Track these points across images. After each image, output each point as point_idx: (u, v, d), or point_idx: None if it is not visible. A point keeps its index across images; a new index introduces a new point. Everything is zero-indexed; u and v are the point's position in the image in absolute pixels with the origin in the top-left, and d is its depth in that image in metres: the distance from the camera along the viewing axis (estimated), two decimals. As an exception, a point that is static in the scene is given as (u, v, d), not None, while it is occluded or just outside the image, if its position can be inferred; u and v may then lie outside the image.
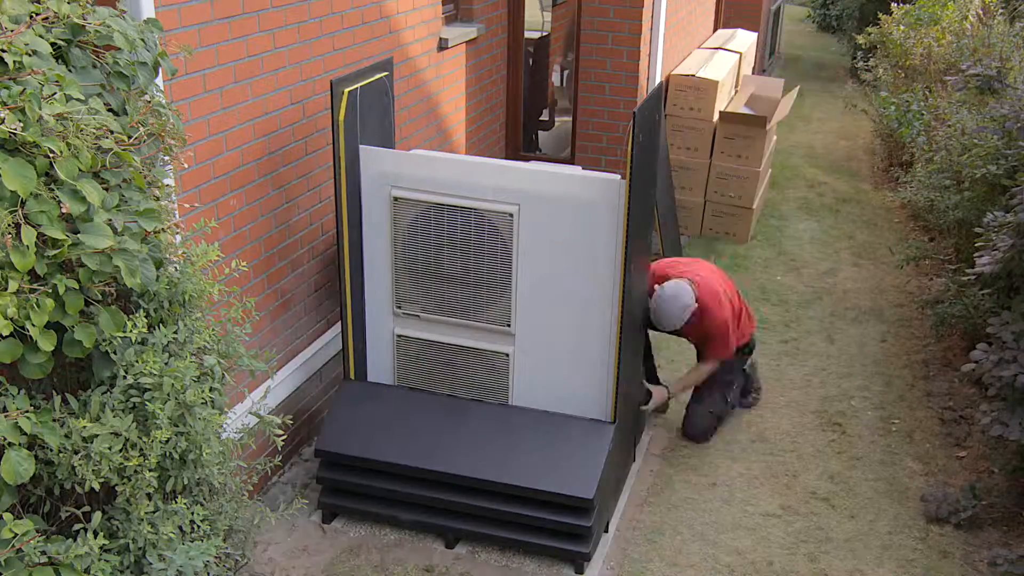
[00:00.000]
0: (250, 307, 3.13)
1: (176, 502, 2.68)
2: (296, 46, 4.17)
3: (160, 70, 2.72)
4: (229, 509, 3.03)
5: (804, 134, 11.10)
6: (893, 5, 9.50)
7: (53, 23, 2.42)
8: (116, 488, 2.52)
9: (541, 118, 7.72)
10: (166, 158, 2.74)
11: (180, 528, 2.71)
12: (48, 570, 2.30)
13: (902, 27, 9.02)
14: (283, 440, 3.11)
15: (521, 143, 7.17)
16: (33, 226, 2.14)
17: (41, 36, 2.34)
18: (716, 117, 7.54)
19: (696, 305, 4.62)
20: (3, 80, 2.17)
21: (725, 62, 8.18)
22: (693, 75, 7.48)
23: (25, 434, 2.25)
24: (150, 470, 2.50)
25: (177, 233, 2.77)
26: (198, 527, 2.76)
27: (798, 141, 10.75)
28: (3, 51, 2.20)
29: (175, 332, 2.65)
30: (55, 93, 2.23)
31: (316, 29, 4.29)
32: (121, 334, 2.44)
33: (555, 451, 3.93)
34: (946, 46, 8.15)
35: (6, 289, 2.13)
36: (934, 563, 4.16)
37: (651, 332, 4.84)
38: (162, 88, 2.94)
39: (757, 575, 4.06)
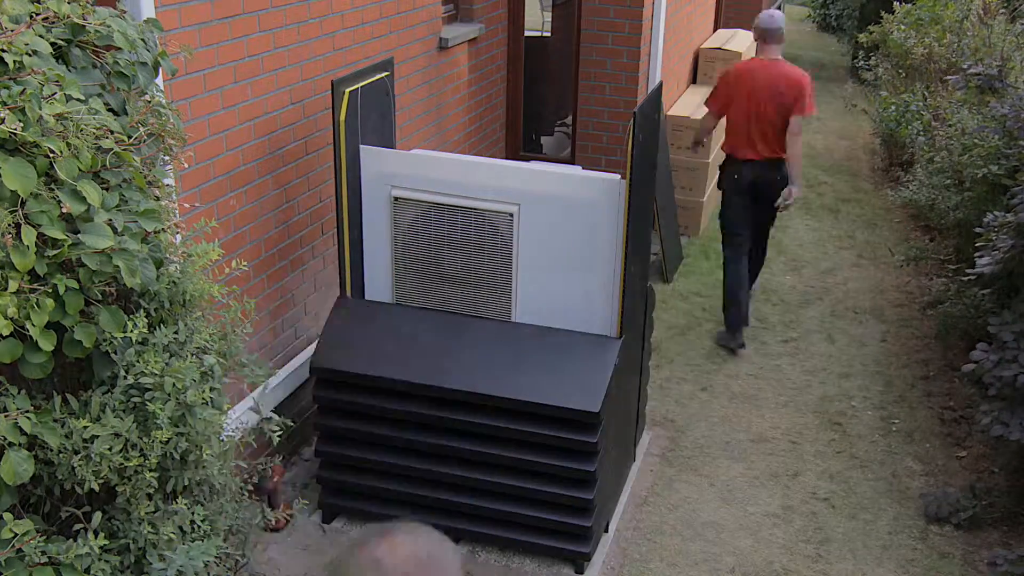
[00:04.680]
0: (250, 308, 3.12)
1: (176, 502, 2.68)
2: (296, 46, 4.17)
3: (160, 70, 2.71)
4: (229, 509, 3.03)
5: (804, 134, 11.08)
6: (895, 4, 9.50)
7: (53, 23, 2.42)
8: (116, 488, 2.52)
9: (564, 120, 7.64)
10: (166, 158, 2.74)
11: (180, 528, 2.71)
12: (48, 570, 2.30)
13: (903, 27, 9.01)
14: (281, 438, 3.11)
15: (521, 143, 7.17)
16: (33, 226, 2.14)
17: (41, 36, 2.34)
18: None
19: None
20: (3, 80, 2.17)
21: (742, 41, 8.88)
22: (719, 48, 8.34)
23: (25, 434, 2.25)
24: (150, 470, 2.50)
25: (177, 233, 2.76)
26: (198, 527, 2.76)
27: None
28: (3, 51, 2.19)
29: (175, 332, 2.65)
30: (55, 93, 2.23)
31: (316, 29, 4.29)
32: (121, 334, 2.43)
33: (559, 366, 3.83)
34: (947, 46, 8.15)
35: (6, 289, 2.13)
36: (934, 563, 4.17)
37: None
38: (162, 88, 2.94)
39: (757, 575, 4.06)
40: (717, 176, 6.12)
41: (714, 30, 10.20)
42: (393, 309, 4.15)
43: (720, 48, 8.81)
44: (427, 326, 4.04)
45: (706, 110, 6.06)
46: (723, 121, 5.93)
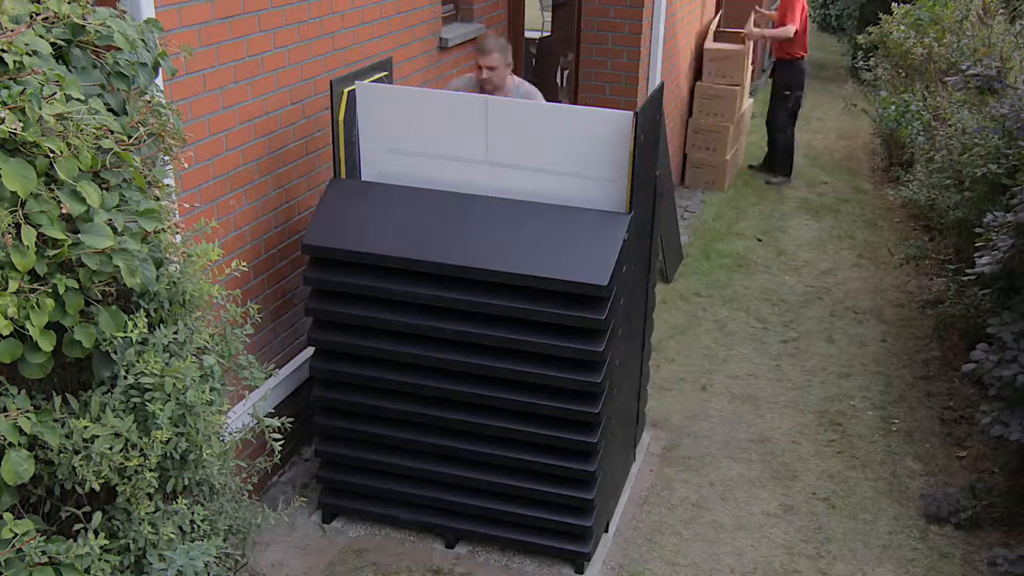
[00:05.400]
0: (253, 313, 3.12)
1: (176, 502, 2.68)
2: (296, 46, 4.17)
3: (160, 70, 2.72)
4: (229, 509, 3.03)
5: (804, 134, 11.09)
6: (894, 5, 9.50)
7: (53, 23, 2.42)
8: (116, 488, 2.52)
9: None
10: (166, 158, 2.74)
11: (180, 528, 2.71)
12: (49, 570, 2.30)
13: (902, 27, 9.02)
14: (281, 445, 3.11)
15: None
16: (33, 226, 2.14)
17: (41, 36, 2.33)
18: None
19: None
20: (3, 80, 2.17)
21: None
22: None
23: (25, 434, 2.25)
24: (150, 470, 2.50)
25: (177, 233, 2.76)
26: (198, 527, 2.76)
27: (798, 141, 10.75)
28: (3, 51, 2.19)
29: (175, 332, 2.65)
30: (55, 93, 2.23)
31: (316, 29, 4.29)
32: (121, 334, 2.43)
33: (566, 241, 3.66)
34: (947, 46, 8.15)
35: (6, 289, 2.13)
36: (934, 563, 4.17)
37: None
38: (162, 88, 2.94)
39: (757, 575, 4.06)
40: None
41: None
42: (390, 188, 3.97)
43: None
44: (426, 203, 3.86)
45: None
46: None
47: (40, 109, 2.15)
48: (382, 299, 3.79)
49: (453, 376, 3.80)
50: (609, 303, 3.57)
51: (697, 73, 8.94)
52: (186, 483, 2.70)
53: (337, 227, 3.83)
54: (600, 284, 3.52)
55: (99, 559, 2.40)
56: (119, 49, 2.53)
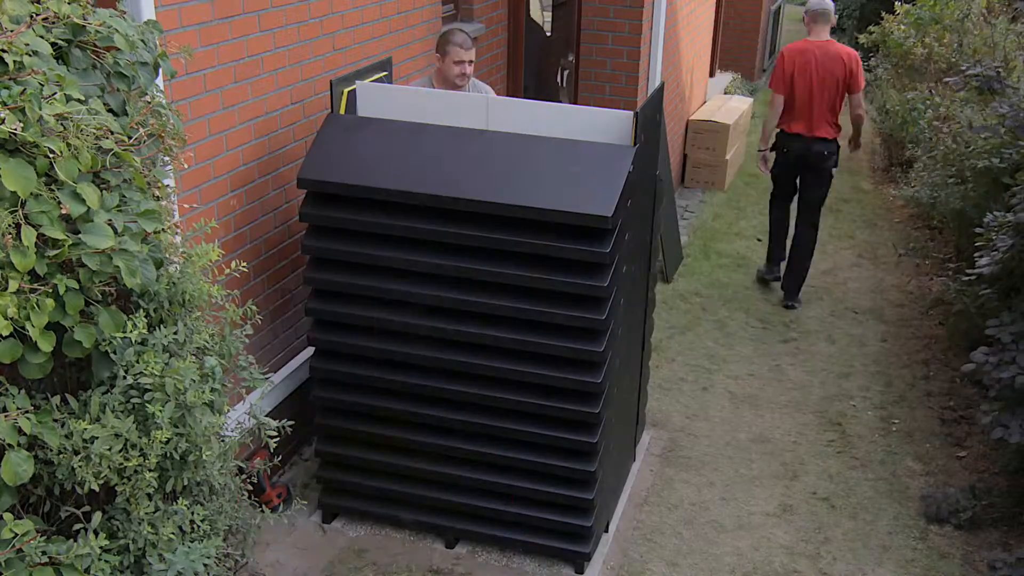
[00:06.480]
0: (252, 314, 3.12)
1: (176, 502, 2.68)
2: (296, 46, 4.17)
3: (160, 70, 2.72)
4: (229, 509, 3.03)
5: (804, 134, 11.07)
6: (896, 4, 9.50)
7: (53, 23, 2.42)
8: (116, 488, 2.52)
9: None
10: (166, 158, 2.74)
11: (180, 528, 2.71)
12: (48, 570, 2.30)
13: (903, 26, 9.02)
14: (277, 442, 3.11)
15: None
16: (33, 226, 2.14)
17: (41, 36, 2.33)
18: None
19: None
20: (3, 80, 2.17)
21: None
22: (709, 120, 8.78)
23: (25, 434, 2.25)
24: (150, 470, 2.50)
25: (177, 233, 2.76)
26: (198, 527, 2.76)
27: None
28: (3, 51, 2.19)
29: (175, 332, 2.65)
30: (55, 93, 2.23)
31: (316, 29, 4.29)
32: (121, 335, 2.43)
33: (570, 174, 3.56)
34: (947, 45, 8.14)
35: (6, 289, 2.13)
36: (934, 563, 4.17)
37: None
38: (162, 88, 2.94)
39: (757, 575, 4.06)
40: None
41: (714, 29, 10.20)
42: (390, 123, 3.86)
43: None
44: (427, 137, 3.75)
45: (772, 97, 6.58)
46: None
47: (40, 109, 2.15)
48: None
49: (453, 376, 3.80)
50: (614, 237, 3.47)
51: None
52: (186, 483, 2.70)
53: (335, 161, 3.68)
54: (604, 215, 3.42)
55: (99, 559, 2.40)
56: (119, 50, 2.53)
